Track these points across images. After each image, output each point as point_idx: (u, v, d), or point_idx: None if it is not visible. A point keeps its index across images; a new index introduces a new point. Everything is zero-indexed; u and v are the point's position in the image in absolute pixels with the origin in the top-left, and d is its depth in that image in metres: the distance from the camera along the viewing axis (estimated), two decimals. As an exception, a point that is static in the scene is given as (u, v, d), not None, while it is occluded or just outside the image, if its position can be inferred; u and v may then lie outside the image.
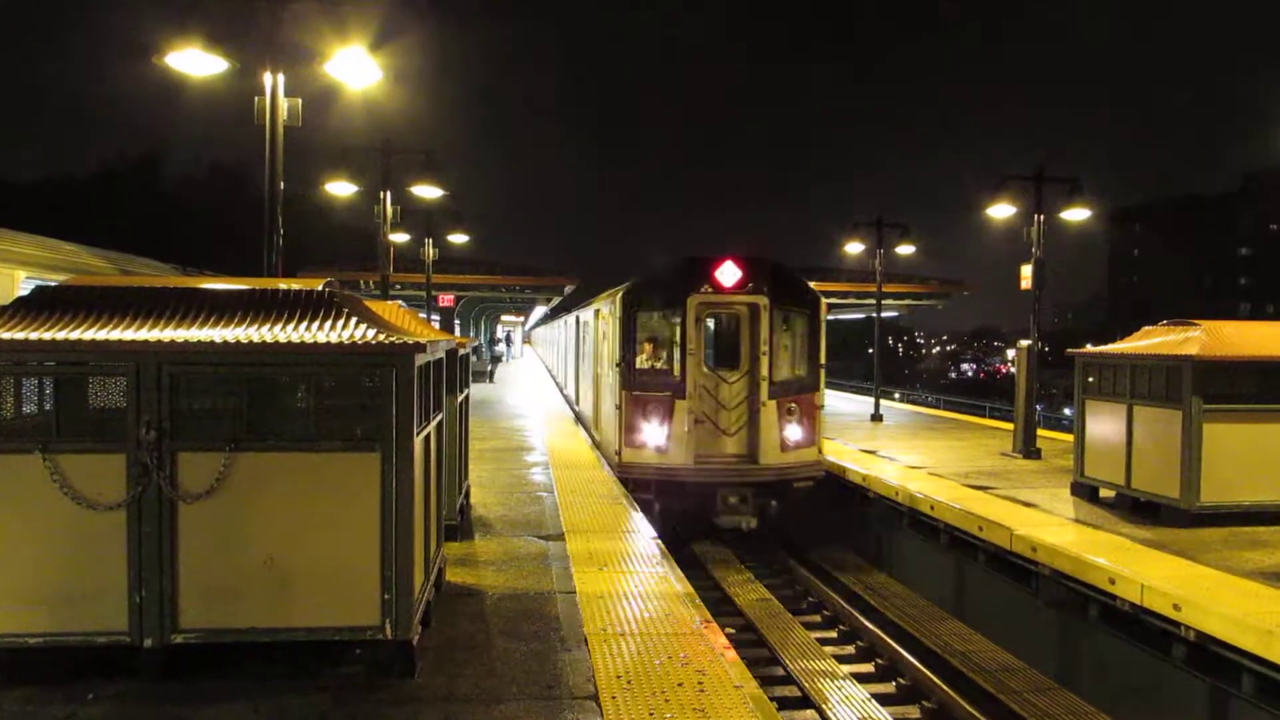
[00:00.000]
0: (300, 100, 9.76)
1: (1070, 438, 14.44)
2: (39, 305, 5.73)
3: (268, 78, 9.53)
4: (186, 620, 5.33)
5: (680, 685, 5.48)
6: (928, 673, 10.22)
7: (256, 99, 9.60)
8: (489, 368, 40.11)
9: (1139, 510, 11.24)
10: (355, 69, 9.82)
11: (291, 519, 5.41)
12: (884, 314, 32.61)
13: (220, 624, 5.36)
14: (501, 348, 50.68)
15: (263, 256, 10.06)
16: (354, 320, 5.78)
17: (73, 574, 5.27)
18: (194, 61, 9.22)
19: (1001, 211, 17.93)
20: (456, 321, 41.08)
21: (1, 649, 5.33)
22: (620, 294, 15.11)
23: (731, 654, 6.01)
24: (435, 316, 33.71)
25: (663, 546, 9.03)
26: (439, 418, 7.23)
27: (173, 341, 5.28)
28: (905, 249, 25.17)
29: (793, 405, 14.60)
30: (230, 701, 5.12)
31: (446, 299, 35.97)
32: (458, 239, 29.44)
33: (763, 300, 14.50)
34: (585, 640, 6.22)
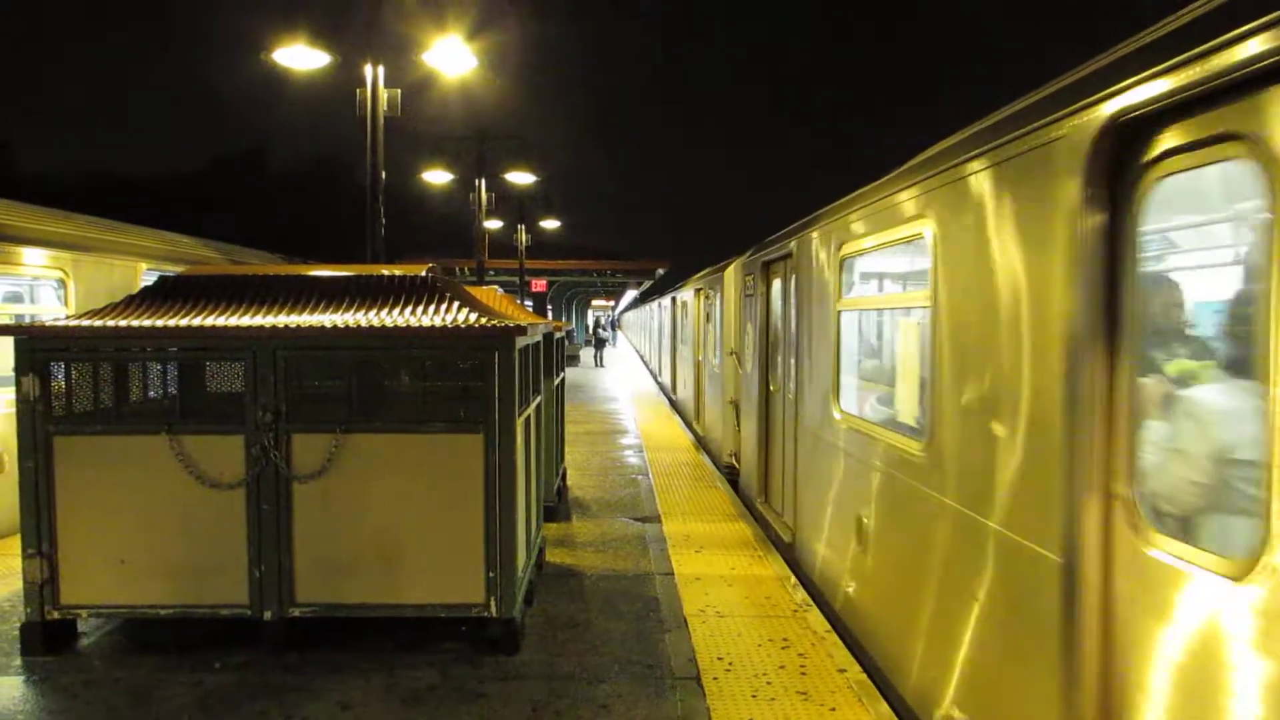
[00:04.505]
0: (399, 91, 9.98)
1: None
2: (163, 294, 6.01)
3: (368, 69, 9.77)
4: (303, 594, 5.54)
5: (782, 668, 5.46)
6: None
7: (358, 91, 9.87)
8: (595, 353, 40.49)
9: None
10: (452, 57, 9.99)
11: (399, 498, 5.56)
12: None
13: (334, 599, 5.56)
14: (607, 333, 49.12)
15: (362, 244, 10.36)
16: (456, 304, 5.90)
17: (197, 549, 5.53)
18: (299, 56, 9.52)
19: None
20: (549, 306, 41.63)
21: (137, 619, 5.65)
22: None
23: (833, 638, 5.96)
24: (528, 301, 34.21)
25: (759, 531, 8.99)
26: (538, 400, 7.33)
27: (287, 327, 5.47)
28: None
29: None
30: (344, 673, 5.31)
31: (539, 284, 36.46)
32: (550, 224, 29.76)
33: None
34: (685, 621, 6.25)
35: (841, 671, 5.40)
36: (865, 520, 5.87)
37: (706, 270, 15.93)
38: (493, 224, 25.70)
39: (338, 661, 5.47)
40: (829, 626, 6.18)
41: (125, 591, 5.54)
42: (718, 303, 13.53)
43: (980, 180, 4.17)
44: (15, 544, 7.74)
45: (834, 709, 4.91)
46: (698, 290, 16.29)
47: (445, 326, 5.51)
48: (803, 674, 5.37)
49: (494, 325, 5.53)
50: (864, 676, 5.36)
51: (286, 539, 5.51)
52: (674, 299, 22.47)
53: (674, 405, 21.26)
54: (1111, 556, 3.14)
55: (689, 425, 17.59)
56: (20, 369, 5.46)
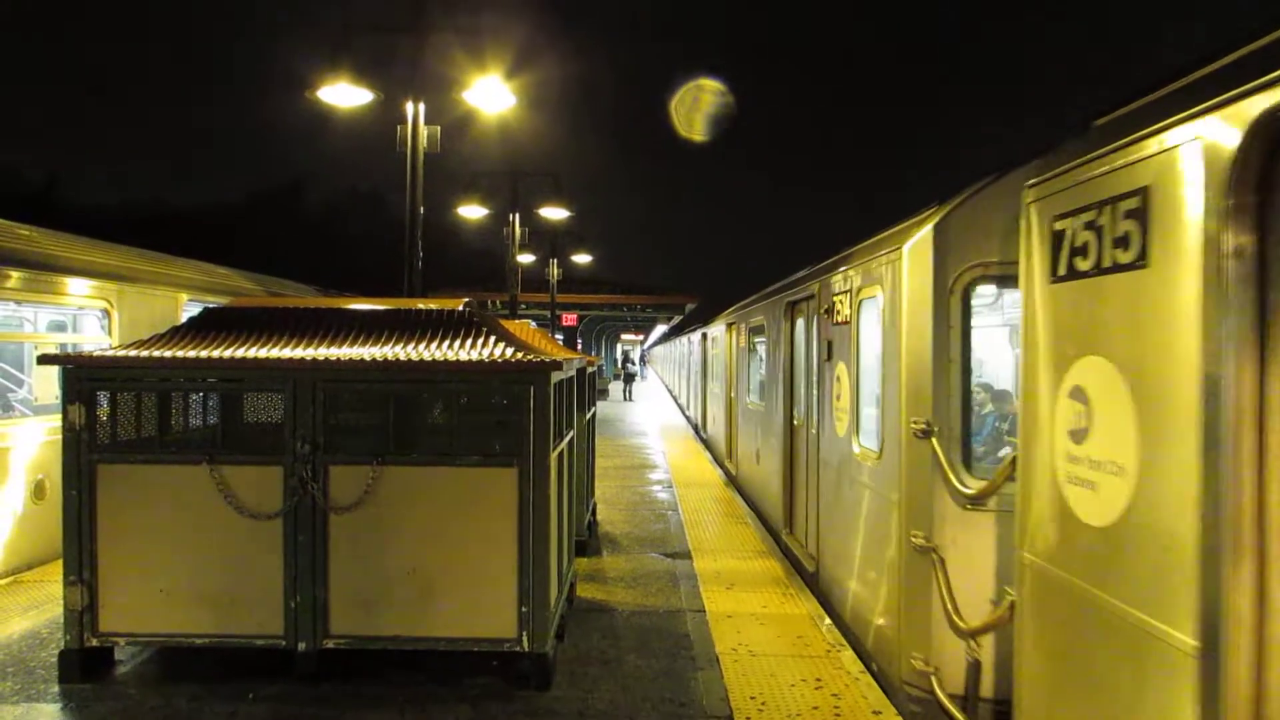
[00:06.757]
0: (439, 128, 10.16)
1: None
2: (205, 326, 6.12)
3: (409, 107, 9.96)
4: (337, 626, 5.56)
5: (815, 708, 5.39)
6: None
7: (399, 127, 10.05)
8: (625, 388, 40.57)
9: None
10: (491, 96, 10.16)
11: (433, 531, 5.58)
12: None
13: (367, 631, 5.58)
14: (636, 367, 48.43)
15: (396, 277, 10.49)
16: (493, 339, 5.95)
17: (234, 579, 5.58)
18: (343, 94, 9.73)
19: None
20: (579, 340, 41.82)
21: (173, 647, 5.69)
22: None
23: (866, 678, 5.88)
24: (559, 335, 34.38)
25: (789, 567, 8.92)
26: (571, 435, 7.35)
27: (327, 359, 5.55)
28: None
29: None
30: (378, 706, 5.31)
31: (570, 318, 36.68)
32: (581, 259, 30.00)
33: None
34: (717, 659, 6.19)
35: (876, 714, 5.32)
36: None
37: (807, 269, 9.52)
38: (525, 258, 25.95)
39: (370, 694, 5.47)
40: (863, 667, 6.10)
41: (163, 620, 5.58)
42: (871, 316, 6.59)
43: None
44: (52, 570, 7.85)
45: (869, 753, 4.83)
46: (793, 304, 9.70)
47: (483, 361, 5.55)
48: (837, 715, 5.30)
49: (531, 360, 5.57)
50: (899, 719, 5.28)
51: (322, 570, 5.55)
52: (730, 325, 15.94)
53: (741, 493, 13.74)
54: None
55: (776, 537, 10.27)
56: (67, 398, 5.57)
